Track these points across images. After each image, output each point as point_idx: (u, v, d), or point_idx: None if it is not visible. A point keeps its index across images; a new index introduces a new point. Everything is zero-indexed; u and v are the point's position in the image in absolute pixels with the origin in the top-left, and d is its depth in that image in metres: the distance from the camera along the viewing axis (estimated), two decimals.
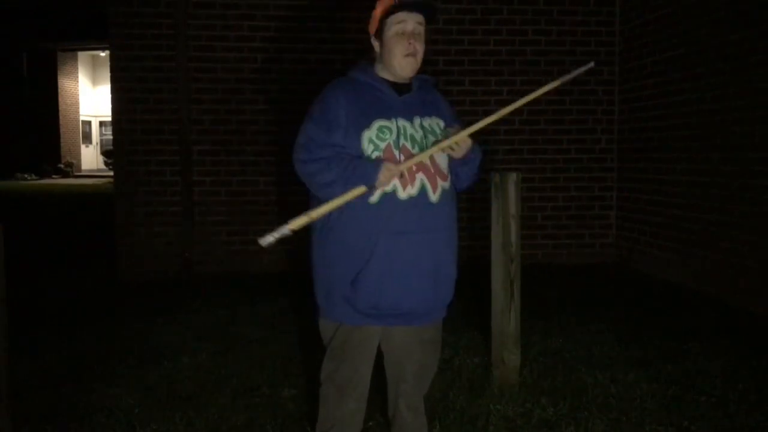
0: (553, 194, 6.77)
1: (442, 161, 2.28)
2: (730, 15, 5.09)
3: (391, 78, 2.30)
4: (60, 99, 25.28)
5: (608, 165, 6.84)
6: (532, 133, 6.70)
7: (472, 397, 3.27)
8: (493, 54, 6.60)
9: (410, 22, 2.23)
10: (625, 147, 6.70)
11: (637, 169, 6.49)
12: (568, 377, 3.53)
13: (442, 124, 2.33)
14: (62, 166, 24.38)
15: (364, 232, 2.18)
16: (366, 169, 2.13)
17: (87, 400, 3.29)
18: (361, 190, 2.14)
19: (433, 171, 2.24)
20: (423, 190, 2.21)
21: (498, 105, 6.62)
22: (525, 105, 2.35)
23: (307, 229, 2.34)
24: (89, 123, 29.11)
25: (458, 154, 2.26)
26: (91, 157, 28.69)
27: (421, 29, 2.26)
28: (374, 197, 2.18)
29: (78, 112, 27.32)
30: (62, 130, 25.33)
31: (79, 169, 26.11)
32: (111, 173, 12.87)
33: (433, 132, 2.28)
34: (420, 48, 2.25)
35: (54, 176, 23.46)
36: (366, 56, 2.40)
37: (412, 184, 2.20)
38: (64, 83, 25.94)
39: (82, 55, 27.21)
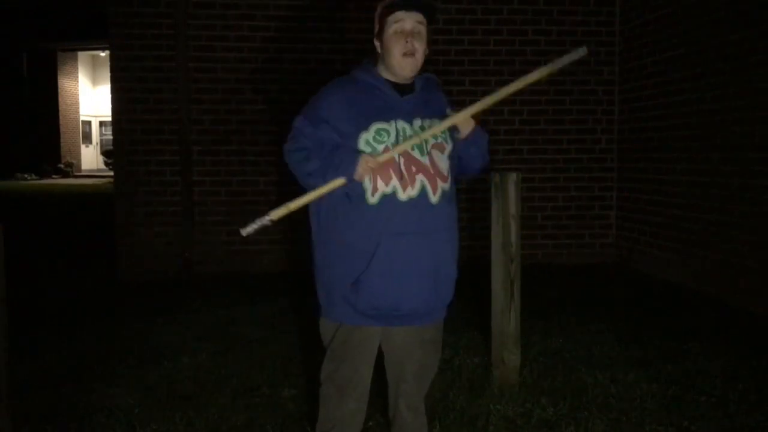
0: (553, 194, 6.77)
1: (442, 163, 2.27)
2: (730, 15, 5.09)
3: (392, 78, 2.29)
4: (60, 99, 25.28)
5: (608, 165, 6.84)
6: (532, 133, 6.70)
7: (472, 397, 3.27)
8: (493, 54, 6.60)
9: (409, 21, 2.22)
10: (625, 147, 6.70)
11: (637, 169, 6.49)
12: (568, 377, 3.53)
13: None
14: (62, 166, 24.38)
15: (364, 233, 2.18)
16: (343, 162, 2.13)
17: (87, 400, 3.29)
18: (340, 181, 2.15)
19: (432, 172, 2.23)
20: (423, 192, 2.21)
21: (498, 105, 6.64)
22: (521, 88, 2.29)
23: (308, 230, 2.34)
24: (89, 123, 29.10)
25: (463, 133, 2.27)
26: (91, 157, 28.69)
27: (421, 28, 2.24)
28: (374, 199, 2.18)
29: (78, 112, 27.32)
30: (62, 130, 25.33)
31: (79, 169, 26.11)
32: (111, 173, 12.87)
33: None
34: (419, 47, 2.24)
35: (54, 176, 23.46)
36: (369, 56, 2.39)
37: (413, 186, 2.20)
38: (64, 83, 25.94)
39: (82, 55, 27.21)
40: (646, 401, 3.22)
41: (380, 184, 2.17)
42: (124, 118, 6.29)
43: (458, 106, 2.38)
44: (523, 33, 6.62)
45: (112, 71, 6.29)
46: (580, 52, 2.22)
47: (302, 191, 2.30)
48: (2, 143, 22.05)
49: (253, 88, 6.35)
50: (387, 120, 2.22)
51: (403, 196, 2.18)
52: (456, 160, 2.36)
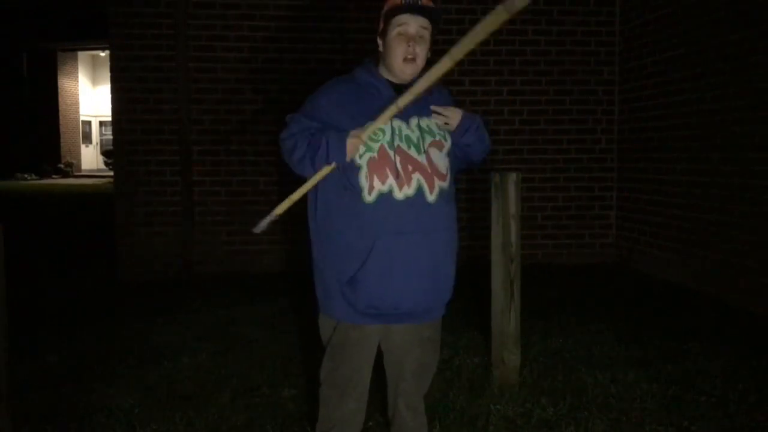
0: (553, 194, 6.77)
1: (441, 161, 2.27)
2: (730, 15, 5.09)
3: (392, 78, 2.29)
4: (60, 99, 25.28)
5: (608, 165, 6.84)
6: (532, 133, 6.70)
7: (472, 397, 3.27)
8: (493, 54, 6.60)
9: (413, 24, 2.22)
10: (625, 147, 6.70)
11: (637, 169, 6.49)
12: (568, 377, 3.53)
13: (441, 122, 2.32)
14: (62, 166, 24.38)
15: (361, 231, 2.18)
16: (330, 149, 2.13)
17: (87, 400, 3.29)
18: (331, 167, 2.17)
19: (430, 171, 2.23)
20: (420, 191, 2.21)
21: (498, 105, 6.67)
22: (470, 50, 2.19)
23: (307, 229, 2.35)
24: (89, 123, 29.11)
25: (451, 125, 2.27)
26: (91, 157, 28.69)
27: (425, 33, 2.24)
28: (371, 197, 2.18)
29: (78, 112, 27.32)
30: (62, 130, 25.33)
31: (79, 169, 26.11)
32: (111, 173, 12.87)
33: (431, 132, 2.27)
34: (421, 52, 2.24)
35: (54, 176, 23.46)
36: (371, 55, 2.39)
37: (409, 185, 2.19)
38: (64, 83, 25.94)
39: (82, 55, 27.22)
40: (646, 401, 3.22)
41: (377, 182, 2.17)
42: (124, 118, 6.29)
43: (458, 106, 2.37)
44: (523, 33, 6.61)
45: (112, 71, 6.29)
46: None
47: (302, 183, 2.32)
48: (2, 143, 22.05)
49: (253, 88, 6.35)
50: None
51: (399, 195, 2.18)
52: (456, 157, 2.36)
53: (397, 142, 2.20)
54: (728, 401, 3.19)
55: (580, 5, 6.65)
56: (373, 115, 2.19)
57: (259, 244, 6.39)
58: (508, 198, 3.29)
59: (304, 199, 2.36)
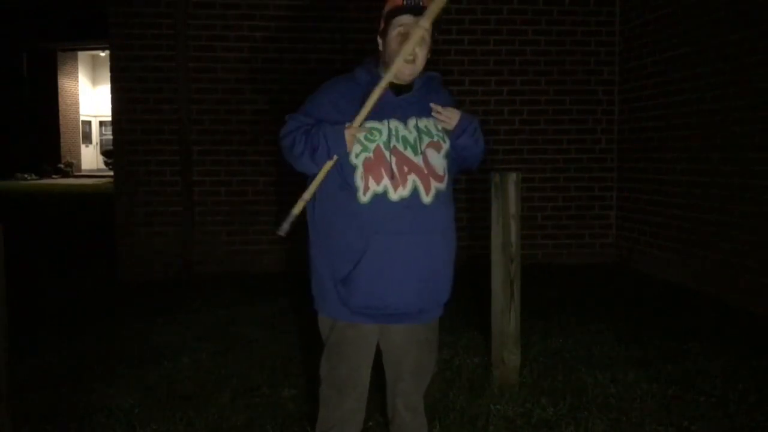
0: (553, 194, 6.77)
1: (438, 162, 2.26)
2: (730, 15, 5.09)
3: (391, 78, 2.29)
4: (60, 99, 25.28)
5: (608, 165, 6.84)
6: (532, 133, 6.70)
7: (472, 397, 3.27)
8: (493, 54, 6.60)
9: (413, 25, 2.22)
10: (625, 147, 6.70)
11: (637, 169, 6.49)
12: (568, 377, 3.53)
13: (441, 124, 2.31)
14: (62, 166, 24.38)
15: (355, 231, 2.19)
16: (329, 143, 2.15)
17: (87, 400, 3.29)
18: (334, 160, 2.19)
19: (426, 172, 2.22)
20: (415, 192, 2.21)
21: (498, 105, 6.67)
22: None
23: (306, 228, 2.35)
24: (89, 123, 29.11)
25: (449, 124, 2.26)
26: (91, 157, 28.69)
27: (425, 34, 2.25)
28: (365, 197, 2.18)
29: (78, 112, 27.32)
30: (62, 130, 25.34)
31: (79, 169, 26.11)
32: (111, 173, 12.87)
33: (428, 133, 2.26)
34: (420, 53, 2.23)
35: (54, 176, 23.46)
36: (372, 55, 2.39)
37: (404, 186, 2.19)
38: (64, 83, 25.94)
39: (82, 55, 27.22)
40: (646, 401, 3.22)
41: (372, 183, 2.18)
42: (124, 118, 6.29)
43: (458, 106, 2.37)
44: (523, 33, 6.62)
45: (112, 71, 6.29)
46: None
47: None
48: (2, 143, 22.05)
49: (253, 88, 6.35)
50: (380, 119, 2.22)
51: (394, 196, 2.18)
52: (454, 158, 2.36)
53: (393, 142, 2.20)
54: (728, 401, 3.19)
55: (580, 5, 6.65)
56: (372, 115, 2.20)
57: (259, 244, 6.40)
58: (508, 198, 3.29)
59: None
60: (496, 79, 6.62)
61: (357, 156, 2.19)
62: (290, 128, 2.26)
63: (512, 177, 3.29)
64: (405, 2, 2.19)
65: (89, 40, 22.45)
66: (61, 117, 25.23)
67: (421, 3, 2.19)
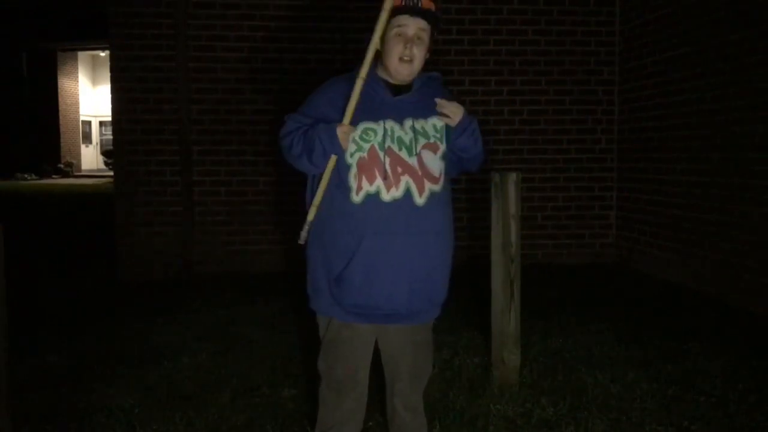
0: (553, 194, 6.77)
1: (433, 164, 2.26)
2: (730, 15, 5.09)
3: (390, 79, 2.29)
4: (60, 99, 25.28)
5: (608, 165, 6.84)
6: (532, 133, 6.70)
7: (472, 397, 3.27)
8: (493, 54, 6.60)
9: (412, 26, 2.22)
10: (625, 147, 6.70)
11: (637, 169, 6.49)
12: (568, 377, 3.53)
13: (440, 124, 2.31)
14: (62, 166, 24.38)
15: (349, 230, 2.20)
16: (324, 143, 2.16)
17: (87, 400, 3.29)
18: (334, 159, 2.20)
19: (420, 173, 2.22)
20: (408, 193, 2.21)
21: (498, 105, 6.67)
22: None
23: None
24: (89, 123, 29.11)
25: (453, 120, 2.26)
26: (91, 157, 28.70)
27: (423, 35, 2.24)
28: (358, 197, 2.19)
29: (78, 112, 27.32)
30: (62, 130, 25.34)
31: (79, 169, 26.11)
32: (111, 173, 12.87)
33: (425, 134, 2.26)
34: (418, 53, 2.24)
35: (54, 176, 23.46)
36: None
37: (397, 187, 2.20)
38: (64, 83, 25.95)
39: (82, 55, 27.22)
40: (646, 401, 3.22)
41: (365, 183, 2.19)
42: (124, 118, 6.29)
43: None
44: (523, 33, 6.62)
45: (112, 71, 6.29)
46: None
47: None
48: (2, 143, 22.05)
49: (253, 88, 6.35)
50: (376, 120, 2.22)
51: (386, 196, 2.19)
52: (451, 161, 2.35)
53: (388, 143, 2.20)
54: (728, 401, 3.19)
55: (580, 5, 6.65)
56: (363, 115, 2.21)
57: (259, 244, 6.40)
58: (508, 198, 3.29)
59: (304, 197, 2.37)
60: (496, 79, 6.62)
61: (352, 156, 2.20)
62: (289, 129, 2.27)
63: (512, 177, 3.29)
64: (404, 3, 2.19)
65: (89, 40, 22.45)
66: (61, 117, 25.24)
67: (420, 4, 2.20)
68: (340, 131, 2.15)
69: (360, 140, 2.20)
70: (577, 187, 6.80)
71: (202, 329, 4.49)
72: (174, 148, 6.27)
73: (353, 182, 2.19)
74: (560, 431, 2.94)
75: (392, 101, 2.27)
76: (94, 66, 28.78)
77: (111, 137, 8.09)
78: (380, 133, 2.21)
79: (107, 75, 7.09)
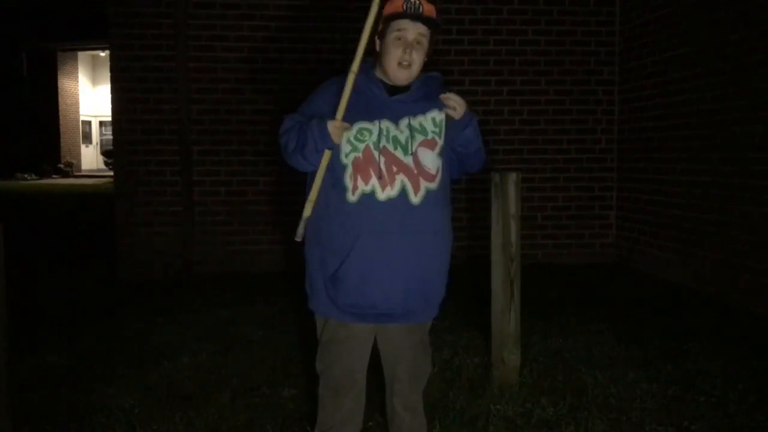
0: (553, 194, 6.77)
1: (430, 162, 2.25)
2: (730, 15, 5.09)
3: (386, 80, 2.30)
4: (60, 99, 25.28)
5: (608, 165, 6.84)
6: (532, 133, 6.70)
7: (472, 397, 3.27)
8: (493, 54, 6.60)
9: (412, 31, 2.23)
10: (625, 147, 6.70)
11: (637, 169, 6.49)
12: (568, 377, 3.53)
13: (438, 118, 2.30)
14: (62, 166, 24.38)
15: (345, 230, 2.20)
16: (316, 138, 2.17)
17: (87, 400, 3.29)
18: (328, 155, 2.21)
19: (416, 172, 2.22)
20: (403, 192, 2.21)
21: (498, 105, 6.67)
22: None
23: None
24: (89, 123, 29.11)
25: (458, 112, 2.26)
26: (91, 157, 28.70)
27: (423, 39, 2.25)
28: (354, 197, 2.20)
29: (78, 112, 27.32)
30: (62, 130, 25.34)
31: (79, 169, 26.11)
32: (111, 173, 12.87)
33: (423, 131, 2.26)
34: (417, 58, 2.24)
35: (54, 176, 23.46)
36: (370, 55, 2.40)
37: (392, 186, 2.20)
38: (64, 83, 25.95)
39: (82, 55, 27.22)
40: (646, 401, 3.22)
41: (360, 182, 2.19)
42: (124, 118, 6.29)
43: None
44: (523, 33, 6.62)
45: (112, 71, 6.29)
46: None
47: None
48: (2, 143, 22.05)
49: (253, 88, 6.35)
50: (371, 120, 2.23)
51: (381, 195, 2.19)
52: (451, 161, 2.35)
53: (383, 142, 2.21)
54: (728, 401, 3.19)
55: (580, 5, 6.65)
56: (358, 116, 2.22)
57: (259, 244, 6.40)
58: (508, 198, 3.29)
59: (302, 200, 2.37)
60: (496, 79, 6.62)
61: (347, 156, 2.21)
62: (286, 127, 2.29)
63: (512, 177, 3.29)
64: (405, 9, 2.19)
65: (89, 40, 22.47)
66: (61, 117, 25.24)
67: (421, 10, 2.20)
68: (332, 126, 2.16)
69: (355, 140, 2.21)
70: (577, 187, 6.80)
71: (202, 329, 4.49)
72: (174, 148, 6.27)
73: (349, 182, 2.20)
74: (560, 431, 2.94)
75: (389, 101, 2.27)
76: (94, 66, 28.78)
77: (111, 137, 8.09)
78: (375, 132, 2.22)
79: (107, 75, 7.09)
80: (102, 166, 26.98)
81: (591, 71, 6.73)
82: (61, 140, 25.21)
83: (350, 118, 2.21)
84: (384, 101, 2.27)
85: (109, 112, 6.82)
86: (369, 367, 2.39)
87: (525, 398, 3.23)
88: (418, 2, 2.20)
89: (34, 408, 3.18)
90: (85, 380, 3.55)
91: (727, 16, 5.13)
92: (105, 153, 26.23)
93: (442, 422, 2.98)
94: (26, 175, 22.22)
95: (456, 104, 2.27)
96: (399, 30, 2.22)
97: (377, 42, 2.31)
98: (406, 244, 2.21)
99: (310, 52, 6.38)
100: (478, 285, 4.12)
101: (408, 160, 2.22)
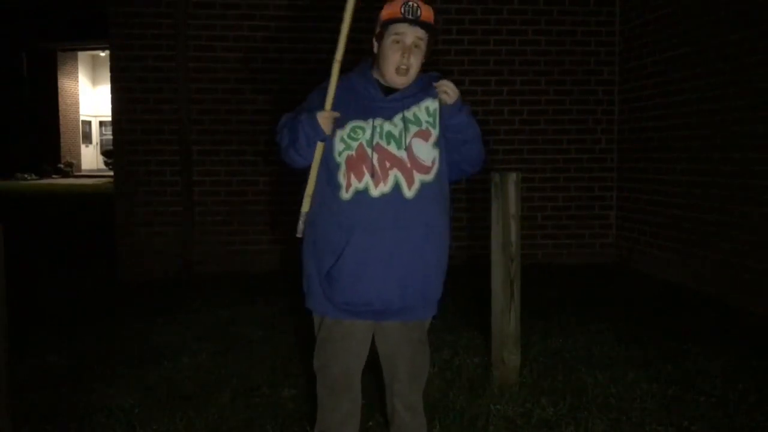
0: (553, 194, 6.77)
1: (425, 153, 2.25)
2: (730, 15, 5.09)
3: (382, 80, 2.31)
4: (60, 99, 25.28)
5: (608, 165, 6.84)
6: (532, 133, 6.70)
7: (472, 397, 3.27)
8: (493, 54, 6.60)
9: (410, 35, 2.23)
10: (625, 147, 6.70)
11: (637, 169, 6.49)
12: (568, 377, 3.53)
13: (432, 107, 2.29)
14: (62, 166, 24.38)
15: (338, 227, 2.22)
16: (306, 130, 2.21)
17: (87, 400, 3.29)
18: (321, 147, 2.24)
19: (409, 165, 2.22)
20: (396, 187, 2.21)
21: (498, 105, 6.67)
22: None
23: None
24: (89, 123, 29.12)
25: (450, 96, 2.26)
26: (91, 157, 28.70)
27: (420, 43, 2.26)
28: (347, 194, 2.20)
29: (78, 112, 27.33)
30: (62, 130, 25.34)
31: (79, 169, 26.11)
32: (111, 173, 12.87)
33: (417, 122, 2.26)
34: (415, 62, 2.25)
35: (54, 176, 23.47)
36: (369, 55, 2.41)
37: (385, 182, 2.20)
38: (64, 83, 25.95)
39: (82, 55, 27.22)
40: (646, 401, 3.22)
41: (353, 180, 2.20)
42: (124, 118, 6.29)
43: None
44: (523, 33, 6.62)
45: (112, 71, 6.29)
46: None
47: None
48: (2, 143, 22.06)
49: (253, 88, 6.35)
50: (365, 119, 2.24)
51: (375, 192, 2.20)
52: (451, 162, 2.35)
53: (376, 139, 2.22)
54: (728, 401, 3.19)
55: (580, 5, 6.65)
56: (353, 115, 2.24)
57: (259, 244, 6.40)
58: (508, 198, 3.29)
59: (303, 196, 2.38)
60: (496, 79, 6.62)
61: (340, 154, 2.22)
62: (281, 124, 2.34)
63: (512, 177, 3.29)
64: (403, 13, 2.20)
65: (89, 40, 22.47)
66: (61, 117, 25.24)
67: (419, 15, 2.20)
68: (321, 116, 2.19)
69: (348, 139, 2.22)
70: (577, 187, 6.80)
71: (202, 329, 4.49)
72: (174, 148, 6.27)
73: (342, 180, 2.21)
74: (560, 431, 2.94)
75: (384, 101, 2.28)
76: (94, 66, 28.78)
77: (111, 137, 8.09)
78: (368, 130, 2.23)
79: (107, 75, 7.09)
80: (102, 166, 26.98)
81: (591, 71, 6.73)
82: (61, 140, 25.21)
83: (345, 118, 2.23)
84: (379, 101, 2.28)
85: (109, 112, 6.82)
86: (369, 368, 2.40)
87: (525, 398, 3.23)
88: (416, 6, 2.20)
89: (34, 408, 3.18)
90: (85, 380, 3.55)
91: (727, 16, 5.13)
92: (105, 153, 26.23)
93: (442, 422, 2.98)
94: (26, 175, 22.22)
95: (448, 89, 2.27)
96: (397, 34, 2.23)
97: (375, 44, 2.32)
98: (400, 240, 2.20)
99: (310, 52, 6.38)
100: (478, 285, 4.12)
101: (402, 154, 2.22)
